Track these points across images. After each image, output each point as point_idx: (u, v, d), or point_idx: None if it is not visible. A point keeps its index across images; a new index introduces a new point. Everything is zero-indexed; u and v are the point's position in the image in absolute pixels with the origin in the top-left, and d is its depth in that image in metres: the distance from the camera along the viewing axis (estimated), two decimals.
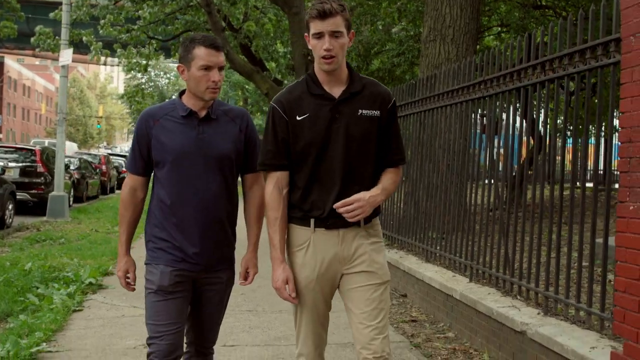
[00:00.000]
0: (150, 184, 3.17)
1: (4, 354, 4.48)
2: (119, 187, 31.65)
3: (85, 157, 25.59)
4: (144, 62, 27.27)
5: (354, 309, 2.87)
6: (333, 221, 2.84)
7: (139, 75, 36.31)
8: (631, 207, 3.16)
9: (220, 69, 2.97)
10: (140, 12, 22.49)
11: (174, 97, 3.12)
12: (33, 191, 15.56)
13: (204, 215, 3.00)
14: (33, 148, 16.65)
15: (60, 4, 25.92)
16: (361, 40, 11.89)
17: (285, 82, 23.29)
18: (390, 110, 2.93)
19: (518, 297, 4.79)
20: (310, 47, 2.81)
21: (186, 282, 3.03)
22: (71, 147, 39.66)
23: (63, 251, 9.56)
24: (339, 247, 2.87)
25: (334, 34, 2.73)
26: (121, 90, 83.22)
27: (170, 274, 2.99)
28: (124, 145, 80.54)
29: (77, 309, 6.12)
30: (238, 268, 3.25)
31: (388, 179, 2.93)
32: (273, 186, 2.91)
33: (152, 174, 3.14)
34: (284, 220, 2.91)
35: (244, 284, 3.24)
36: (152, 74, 51.15)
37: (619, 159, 3.33)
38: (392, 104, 2.95)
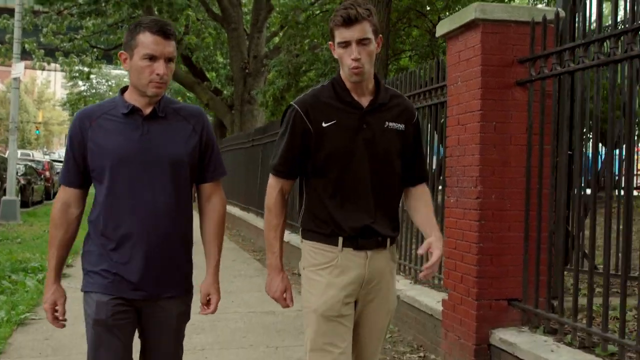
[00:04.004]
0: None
1: (0, 319, 5.74)
2: None
3: (29, 163, 26.22)
4: (86, 70, 28.08)
5: (360, 334, 2.76)
6: (362, 242, 2.67)
7: (81, 82, 36.79)
8: (451, 200, 4.68)
9: (169, 60, 2.54)
10: (82, 22, 23.21)
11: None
12: None
13: (150, 233, 2.55)
14: None
15: (3, 11, 26.54)
16: (291, 60, 13.34)
17: (225, 92, 24.47)
18: (415, 125, 2.79)
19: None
20: (335, 56, 2.66)
21: (129, 311, 2.59)
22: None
23: (23, 248, 10.68)
24: (365, 269, 2.68)
25: (362, 42, 2.55)
26: (59, 96, 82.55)
27: (107, 304, 2.55)
28: (62, 151, 79.91)
29: None
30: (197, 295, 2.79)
31: (428, 205, 2.85)
32: (278, 192, 2.77)
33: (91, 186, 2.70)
34: (283, 227, 2.81)
35: (206, 312, 2.76)
36: (94, 81, 51.38)
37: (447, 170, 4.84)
38: (417, 119, 2.82)
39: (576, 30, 4.63)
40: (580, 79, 4.02)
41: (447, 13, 12.97)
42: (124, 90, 2.69)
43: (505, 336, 4.11)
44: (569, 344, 3.83)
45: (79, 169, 2.62)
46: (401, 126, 2.72)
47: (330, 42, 2.69)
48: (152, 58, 2.50)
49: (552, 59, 4.01)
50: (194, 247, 2.76)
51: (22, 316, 5.92)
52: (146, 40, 2.50)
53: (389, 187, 2.70)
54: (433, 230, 2.72)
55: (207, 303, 2.76)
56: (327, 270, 2.67)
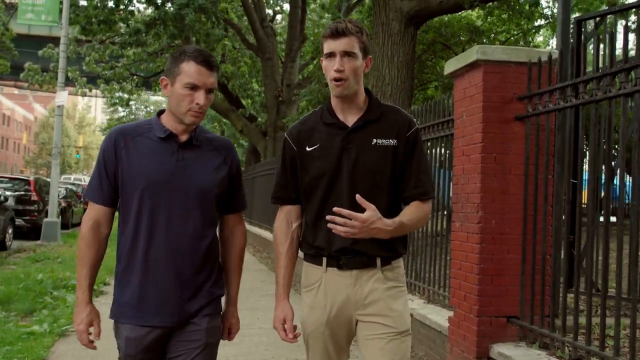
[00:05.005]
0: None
1: (43, 330, 6.25)
2: None
3: (69, 186, 27.10)
4: (126, 96, 29.05)
5: (364, 356, 2.67)
6: (346, 261, 2.62)
7: (120, 108, 37.90)
8: (457, 224, 5.06)
9: (209, 91, 2.55)
10: (123, 50, 24.08)
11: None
12: (27, 217, 17.23)
13: (176, 259, 2.55)
14: (27, 178, 18.35)
15: (48, 40, 27.60)
16: (320, 90, 13.89)
17: (259, 119, 25.14)
18: (409, 139, 2.66)
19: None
20: (323, 71, 2.63)
21: (158, 340, 2.59)
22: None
23: (64, 267, 11.26)
24: (351, 289, 2.63)
25: (347, 54, 2.54)
26: (99, 120, 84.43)
27: (135, 340, 2.56)
28: None
29: None
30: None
31: (409, 213, 2.64)
32: (282, 219, 2.78)
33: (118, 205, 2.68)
34: (290, 256, 2.76)
35: (227, 339, 2.85)
36: (134, 107, 52.71)
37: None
38: (413, 132, 2.68)
39: (579, 69, 5.03)
40: (570, 115, 4.39)
41: (472, 44, 13.43)
42: (160, 113, 2.70)
43: (503, 350, 4.46)
44: (560, 358, 4.17)
45: (111, 187, 2.62)
46: (392, 141, 2.64)
47: (321, 58, 2.66)
48: (193, 87, 2.52)
49: (545, 96, 4.41)
50: None
51: (64, 328, 6.43)
52: (190, 70, 2.51)
53: (375, 205, 2.47)
54: (399, 215, 2.59)
55: (227, 333, 2.81)
56: (312, 292, 2.70)
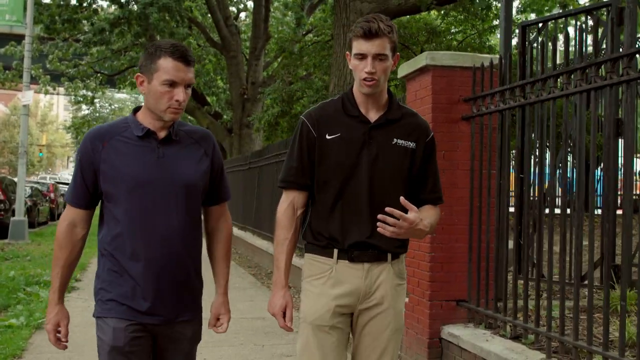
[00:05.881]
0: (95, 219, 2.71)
1: (20, 323, 6.53)
2: None
3: (35, 185, 27.03)
4: (90, 94, 29.05)
5: (363, 351, 2.70)
6: (358, 254, 2.62)
7: (85, 106, 37.72)
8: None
9: (188, 86, 2.52)
10: (87, 48, 24.11)
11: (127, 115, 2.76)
12: None
13: (165, 256, 2.53)
14: None
15: (9, 37, 27.44)
16: (284, 88, 14.25)
17: (225, 116, 25.36)
18: (428, 145, 2.72)
19: None
20: (350, 67, 2.63)
21: (146, 337, 2.57)
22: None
23: (34, 265, 11.44)
24: (362, 281, 2.63)
25: (379, 57, 2.53)
26: (62, 118, 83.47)
27: (125, 330, 2.52)
28: (64, 173, 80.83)
29: None
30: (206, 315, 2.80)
31: (430, 216, 2.66)
32: (288, 205, 2.71)
33: (97, 206, 2.69)
34: (292, 243, 2.72)
35: (218, 331, 2.82)
36: (98, 105, 52.42)
37: None
38: (431, 138, 2.74)
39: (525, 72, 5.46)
40: (508, 116, 4.82)
41: (429, 46, 13.93)
42: (136, 110, 2.66)
43: (453, 331, 4.89)
44: (502, 336, 4.60)
45: (88, 190, 2.58)
46: (411, 144, 2.67)
47: (347, 52, 2.65)
48: (172, 84, 2.48)
49: (487, 98, 4.84)
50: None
51: (39, 321, 6.69)
52: (167, 66, 2.47)
53: (391, 203, 2.49)
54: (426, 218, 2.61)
55: (217, 323, 2.79)
56: (321, 281, 2.66)
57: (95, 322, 2.62)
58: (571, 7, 13.19)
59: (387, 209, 2.43)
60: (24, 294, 8.45)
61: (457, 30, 15.78)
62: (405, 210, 2.48)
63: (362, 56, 2.55)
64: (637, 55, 3.53)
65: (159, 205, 2.53)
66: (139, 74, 2.55)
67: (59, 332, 2.63)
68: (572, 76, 3.91)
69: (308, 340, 2.68)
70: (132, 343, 2.52)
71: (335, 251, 2.64)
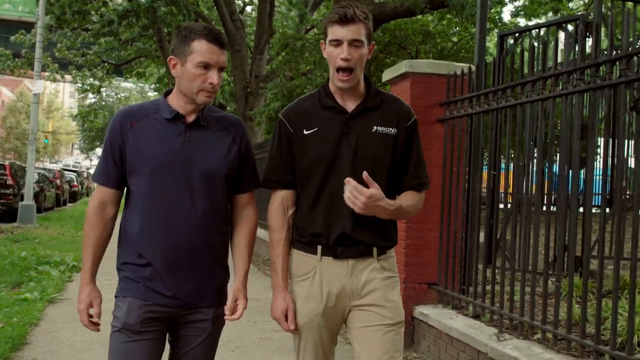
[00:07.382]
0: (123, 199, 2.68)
1: (34, 297, 7.14)
2: (72, 199, 33.89)
3: (42, 171, 27.65)
4: (98, 83, 29.57)
5: (363, 351, 2.58)
6: (342, 250, 2.56)
7: (91, 95, 38.28)
8: None
9: (221, 69, 2.49)
10: (95, 39, 24.58)
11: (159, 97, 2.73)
12: (3, 200, 17.98)
13: (187, 243, 2.49)
14: (3, 163, 19.04)
15: (18, 24, 27.90)
16: (285, 84, 14.78)
17: (229, 107, 25.91)
18: (409, 129, 2.64)
19: None
20: (325, 56, 2.56)
21: (160, 320, 2.52)
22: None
23: (43, 247, 12.07)
24: (347, 279, 2.56)
25: (354, 43, 2.46)
26: (67, 105, 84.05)
27: (139, 309, 2.48)
28: (69, 160, 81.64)
29: (69, 280, 8.77)
30: None
31: (406, 199, 2.61)
32: (277, 205, 2.66)
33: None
34: (287, 244, 2.66)
35: (231, 318, 2.62)
36: (104, 93, 52.95)
37: None
38: (412, 122, 2.67)
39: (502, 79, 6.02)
40: (476, 119, 5.39)
41: (424, 47, 14.47)
42: (167, 93, 2.62)
43: (424, 310, 5.48)
44: (465, 315, 5.19)
45: (118, 169, 2.55)
46: (392, 130, 2.58)
47: (321, 41, 2.59)
48: (206, 66, 2.46)
49: (459, 103, 5.41)
50: None
51: (52, 296, 7.31)
52: (202, 48, 2.45)
53: None
54: (397, 199, 2.59)
55: (233, 308, 2.62)
56: (307, 282, 2.60)
57: (114, 302, 2.60)
58: (564, 13, 13.73)
59: (347, 179, 2.43)
60: (36, 272, 9.05)
61: (452, 32, 16.31)
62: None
63: (337, 42, 2.48)
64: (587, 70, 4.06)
65: (182, 189, 2.50)
66: (171, 56, 2.53)
67: (90, 314, 2.59)
68: (525, 87, 4.51)
69: (300, 343, 2.67)
70: (145, 323, 2.49)
71: (319, 247, 2.59)
